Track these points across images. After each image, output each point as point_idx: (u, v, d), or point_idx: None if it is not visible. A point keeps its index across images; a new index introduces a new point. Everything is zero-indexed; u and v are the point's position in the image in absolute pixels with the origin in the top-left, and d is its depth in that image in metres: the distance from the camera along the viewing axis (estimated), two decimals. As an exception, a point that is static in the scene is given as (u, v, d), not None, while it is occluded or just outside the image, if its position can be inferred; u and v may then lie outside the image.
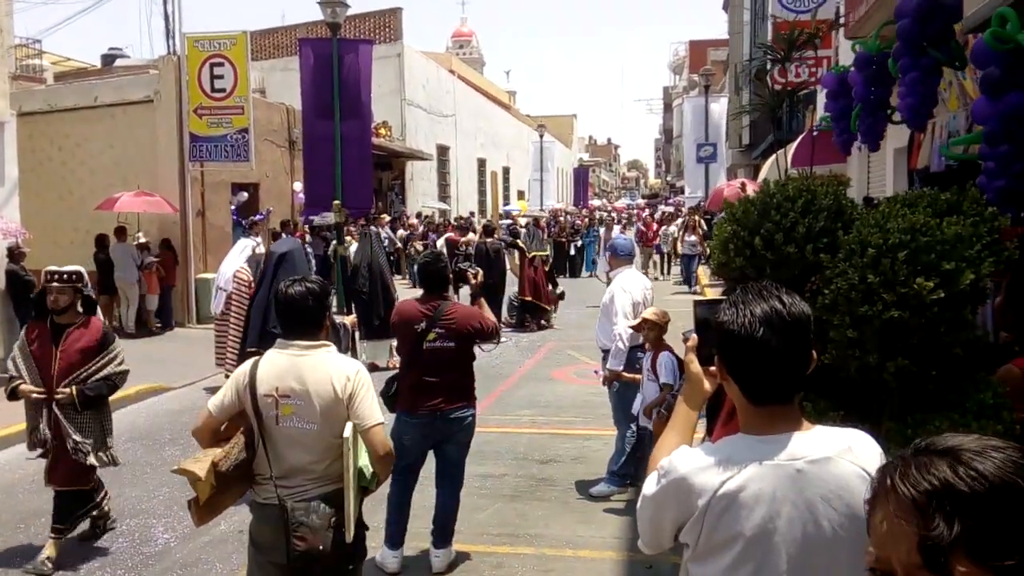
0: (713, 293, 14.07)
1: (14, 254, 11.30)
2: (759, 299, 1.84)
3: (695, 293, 17.90)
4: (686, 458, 1.89)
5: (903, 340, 3.02)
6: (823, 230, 3.37)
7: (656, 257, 24.52)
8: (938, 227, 3.09)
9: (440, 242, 19.18)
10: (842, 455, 1.81)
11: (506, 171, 44.12)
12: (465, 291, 6.08)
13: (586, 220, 31.84)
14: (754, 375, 1.84)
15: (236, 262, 9.36)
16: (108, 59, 22.93)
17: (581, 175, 52.70)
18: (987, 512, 1.08)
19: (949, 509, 1.09)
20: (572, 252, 25.30)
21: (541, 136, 41.14)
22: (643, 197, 77.15)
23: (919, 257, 3.01)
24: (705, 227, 19.81)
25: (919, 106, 5.37)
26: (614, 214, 36.71)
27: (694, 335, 2.09)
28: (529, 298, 14.98)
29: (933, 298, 2.96)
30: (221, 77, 15.03)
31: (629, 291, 6.37)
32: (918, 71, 5.28)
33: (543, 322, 15.15)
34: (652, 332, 5.94)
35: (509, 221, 23.36)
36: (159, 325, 14.87)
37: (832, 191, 3.52)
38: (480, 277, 5.67)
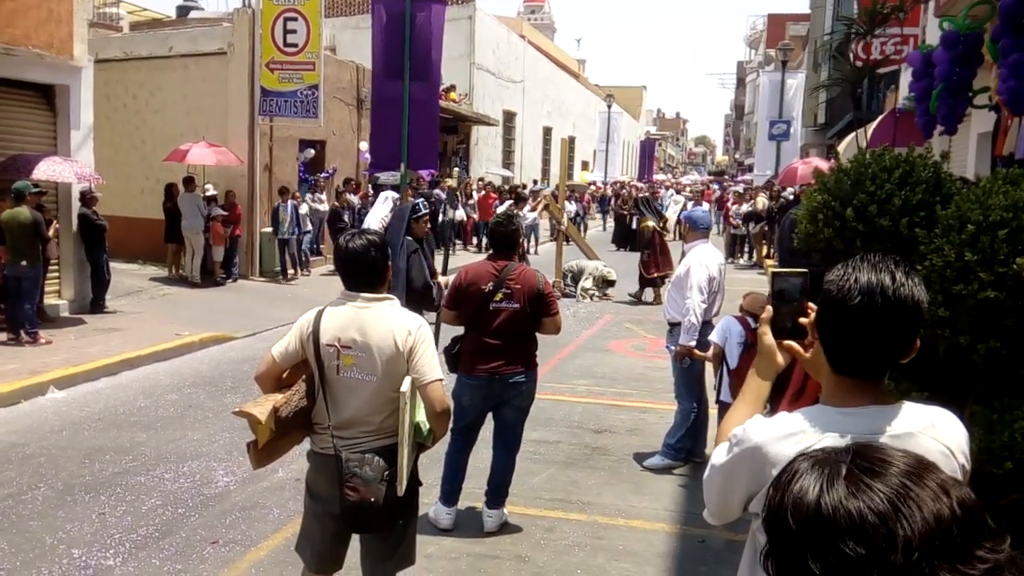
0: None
1: (86, 198, 11.56)
2: (871, 269, 1.74)
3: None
4: (761, 427, 1.82)
5: (997, 322, 2.85)
6: (920, 203, 3.19)
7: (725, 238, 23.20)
8: (1041, 206, 2.90)
9: (502, 208, 19.17)
10: (925, 431, 1.73)
11: (571, 140, 43.74)
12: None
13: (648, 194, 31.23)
14: (839, 342, 1.75)
15: (381, 211, 9.58)
16: (183, 11, 23.19)
17: (647, 148, 52.13)
18: None
19: None
20: (634, 226, 24.91)
21: (609, 106, 40.79)
22: (710, 174, 75.98)
23: (1020, 236, 2.83)
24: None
25: (1021, 89, 5.08)
26: (685, 193, 35.31)
27: (769, 307, 2.01)
28: (658, 274, 14.59)
29: (1033, 280, 2.79)
30: (294, 32, 15.08)
31: (706, 265, 6.19)
32: (1020, 52, 4.99)
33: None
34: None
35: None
36: (223, 276, 15.13)
37: (931, 163, 3.32)
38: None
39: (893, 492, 1.07)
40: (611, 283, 15.42)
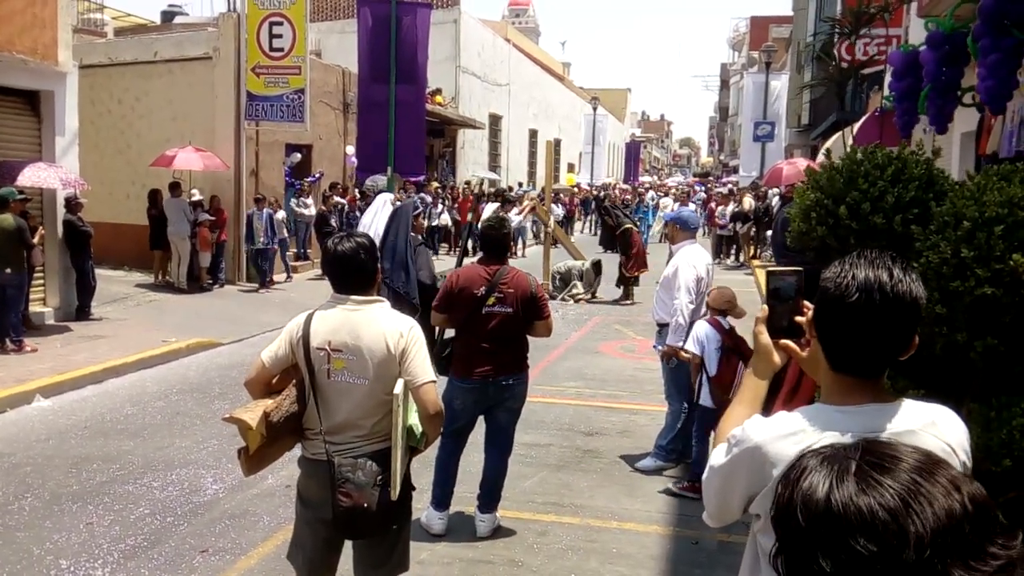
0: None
1: (71, 204, 11.44)
2: (869, 265, 1.72)
3: None
4: (760, 427, 1.79)
5: (994, 318, 2.84)
6: (913, 200, 3.18)
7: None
8: (1036, 201, 2.90)
9: (488, 212, 19.16)
10: (926, 429, 1.71)
11: (557, 143, 43.76)
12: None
13: (635, 196, 31.26)
14: (836, 339, 1.73)
15: (384, 217, 9.53)
16: (167, 16, 23.12)
17: (632, 150, 52.24)
18: None
19: None
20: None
21: (594, 109, 40.82)
22: (695, 175, 76.28)
23: (1016, 232, 2.82)
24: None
25: (999, 89, 5.10)
26: (671, 195, 35.55)
27: (764, 306, 1.99)
28: (637, 273, 15.01)
29: (1030, 276, 2.78)
30: (280, 36, 15.02)
31: (694, 266, 6.18)
32: (1000, 52, 5.00)
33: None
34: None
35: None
36: (210, 282, 15.02)
37: (923, 160, 3.32)
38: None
39: (904, 488, 1.05)
40: (598, 270, 15.50)
